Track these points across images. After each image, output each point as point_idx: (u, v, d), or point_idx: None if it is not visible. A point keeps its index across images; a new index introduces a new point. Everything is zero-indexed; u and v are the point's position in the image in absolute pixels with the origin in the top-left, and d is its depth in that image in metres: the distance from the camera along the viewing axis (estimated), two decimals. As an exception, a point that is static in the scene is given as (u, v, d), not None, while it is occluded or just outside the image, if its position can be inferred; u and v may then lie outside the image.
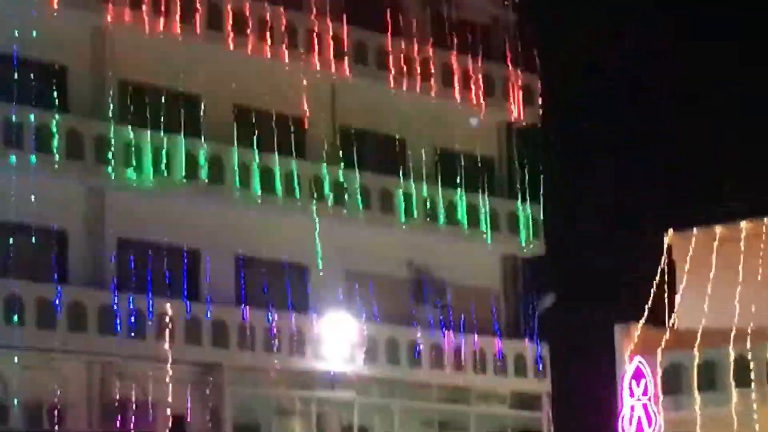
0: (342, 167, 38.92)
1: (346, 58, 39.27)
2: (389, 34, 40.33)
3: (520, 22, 43.25)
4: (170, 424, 34.98)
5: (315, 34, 38.79)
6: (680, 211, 35.70)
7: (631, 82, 56.89)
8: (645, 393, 33.02)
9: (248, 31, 37.53)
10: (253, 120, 38.07)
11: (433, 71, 40.75)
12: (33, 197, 33.68)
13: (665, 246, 34.46)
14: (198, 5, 36.79)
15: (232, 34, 37.30)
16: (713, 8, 58.86)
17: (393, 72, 40.00)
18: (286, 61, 38.16)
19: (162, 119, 36.19)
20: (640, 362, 33.12)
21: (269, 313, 36.59)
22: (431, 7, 41.86)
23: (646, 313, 33.56)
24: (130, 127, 35.56)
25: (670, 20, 58.18)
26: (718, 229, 34.32)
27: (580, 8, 52.67)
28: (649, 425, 32.82)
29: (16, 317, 32.82)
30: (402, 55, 40.28)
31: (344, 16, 39.68)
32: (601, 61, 55.31)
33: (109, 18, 35.56)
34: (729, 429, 32.22)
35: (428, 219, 40.00)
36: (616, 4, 57.49)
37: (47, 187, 34.04)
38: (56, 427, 33.29)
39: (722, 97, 56.41)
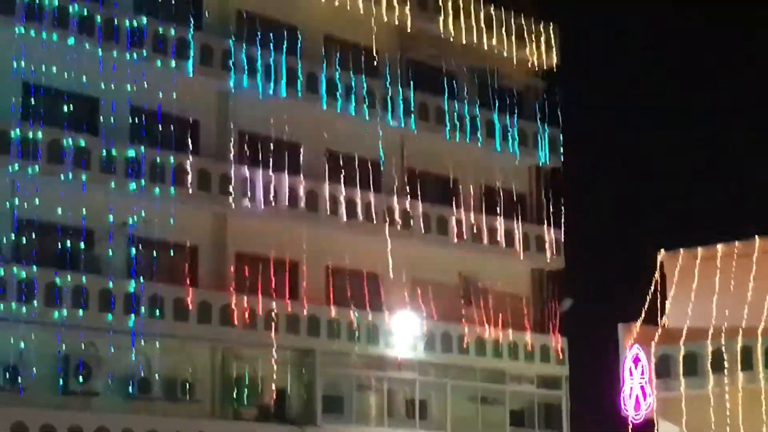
0: (408, 199, 38.97)
1: (412, 115, 39.27)
2: (445, 96, 40.37)
3: (546, 88, 43.10)
4: (274, 396, 35.08)
5: (389, 97, 38.87)
6: (670, 236, 35.60)
7: (630, 136, 56.82)
8: (642, 375, 32.96)
9: (337, 93, 37.61)
10: (341, 162, 38.16)
11: (479, 126, 40.74)
12: (171, 220, 33.97)
13: (658, 262, 34.40)
14: (300, 74, 36.93)
15: (325, 96, 37.44)
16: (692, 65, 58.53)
17: (448, 126, 40.01)
18: (367, 117, 38.19)
19: (270, 161, 36.28)
20: (638, 351, 33.05)
21: (351, 311, 36.69)
22: (478, 76, 41.75)
23: (643, 315, 33.49)
24: (246, 167, 35.70)
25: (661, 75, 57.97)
26: (699, 250, 34.27)
27: (594, 80, 52.69)
28: (645, 400, 32.78)
29: (158, 312, 33.08)
30: (455, 113, 40.27)
31: (411, 83, 39.79)
32: (606, 119, 55.35)
33: (231, 83, 35.84)
34: (706, 406, 32.10)
35: (474, 239, 39.87)
36: (609, 76, 57.41)
37: (183, 213, 34.28)
38: (187, 397, 33.46)
39: (698, 148, 56.19)
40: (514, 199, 41.77)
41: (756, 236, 33.21)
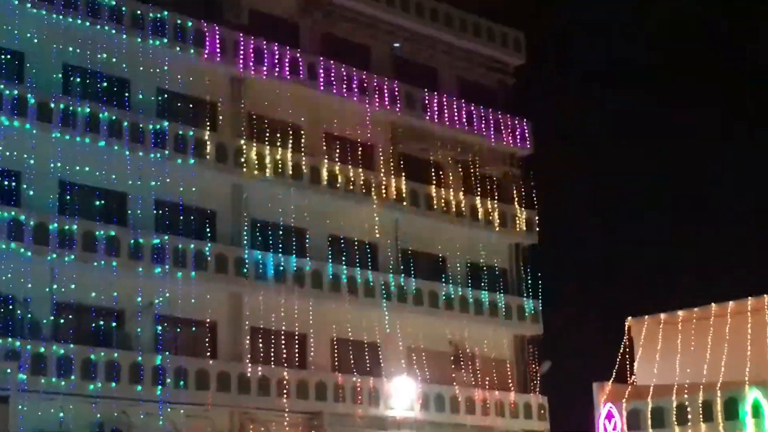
0: (402, 276, 39.14)
1: (404, 202, 39.55)
2: (433, 184, 40.66)
3: (522, 174, 43.35)
4: (287, 455, 35.15)
5: (383, 186, 39.13)
6: (636, 305, 35.75)
7: (599, 214, 57.07)
8: (615, 429, 32.93)
9: (337, 185, 37.89)
10: (342, 244, 38.33)
11: (463, 210, 40.97)
12: (193, 300, 34.12)
13: (626, 328, 34.52)
14: (303, 167, 37.24)
15: (327, 187, 37.71)
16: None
17: (436, 211, 40.24)
18: (364, 205, 38.46)
19: (280, 245, 36.48)
20: (610, 407, 33.07)
21: (354, 377, 36.74)
22: (461, 166, 42.00)
23: (614, 374, 33.52)
24: (258, 251, 35.91)
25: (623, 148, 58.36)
26: (662, 316, 34.44)
27: (564, 166, 53.02)
28: (618, 452, 32.75)
29: (182, 382, 33.11)
30: (442, 199, 40.53)
31: (402, 173, 40.06)
32: (578, 203, 55.57)
33: (243, 177, 36.15)
34: (673, 454, 32.13)
35: (462, 310, 39.93)
36: (578, 161, 57.80)
37: (203, 293, 34.41)
38: (209, 458, 33.47)
39: (658, 224, 56.43)
40: (497, 273, 41.95)
41: (712, 303, 33.43)
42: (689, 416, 31.81)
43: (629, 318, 34.59)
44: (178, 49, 35.23)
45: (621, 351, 33.64)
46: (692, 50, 55.30)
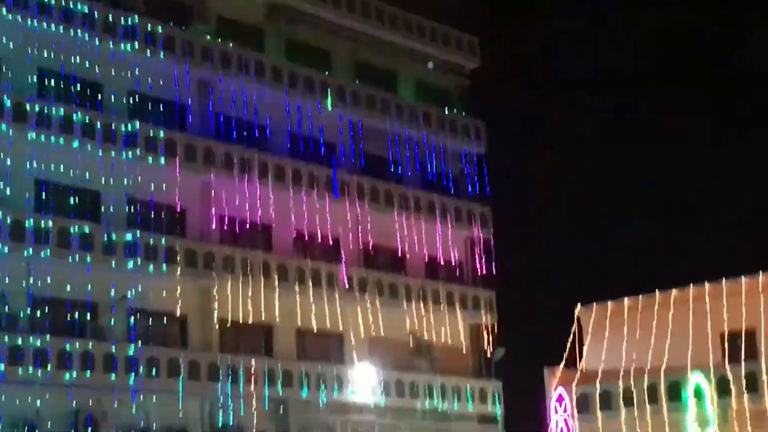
0: (364, 269, 39.03)
1: (365, 199, 39.38)
2: (393, 182, 40.65)
3: (477, 173, 43.39)
4: (255, 440, 34.97)
5: (345, 182, 39.00)
6: (585, 294, 35.88)
7: (549, 209, 57.18)
8: (565, 411, 33.08)
9: (301, 182, 37.69)
10: (306, 239, 38.06)
11: (422, 206, 40.89)
12: (164, 293, 33.95)
13: (576, 316, 34.67)
14: (268, 166, 37.02)
15: (292, 184, 37.52)
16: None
17: (396, 207, 40.17)
18: (327, 202, 38.32)
19: (247, 240, 36.27)
20: (561, 391, 33.22)
21: (318, 365, 36.63)
22: (419, 165, 41.87)
23: (564, 360, 33.66)
24: (226, 247, 35.66)
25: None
26: (609, 304, 34.61)
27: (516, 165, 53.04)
28: (568, 433, 32.91)
29: (154, 371, 32.88)
30: (401, 196, 40.47)
31: (364, 172, 39.96)
32: (529, 196, 55.61)
33: (212, 176, 35.91)
34: (620, 435, 32.30)
35: (422, 302, 39.92)
36: (529, 161, 57.83)
37: (173, 286, 34.21)
38: (180, 443, 33.26)
39: (603, 216, 56.61)
40: (453, 266, 41.95)
41: (656, 290, 33.63)
42: (635, 399, 32.05)
43: (578, 306, 34.77)
44: (148, 53, 34.97)
45: (570, 338, 33.81)
46: (680, 57, 55.19)
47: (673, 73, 55.25)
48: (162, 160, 34.65)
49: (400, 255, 40.59)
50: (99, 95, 34.44)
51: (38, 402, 30.59)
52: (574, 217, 57.25)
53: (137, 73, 34.97)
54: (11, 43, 32.68)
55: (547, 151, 58.89)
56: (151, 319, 34.00)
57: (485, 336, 41.98)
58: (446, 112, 42.56)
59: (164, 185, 34.67)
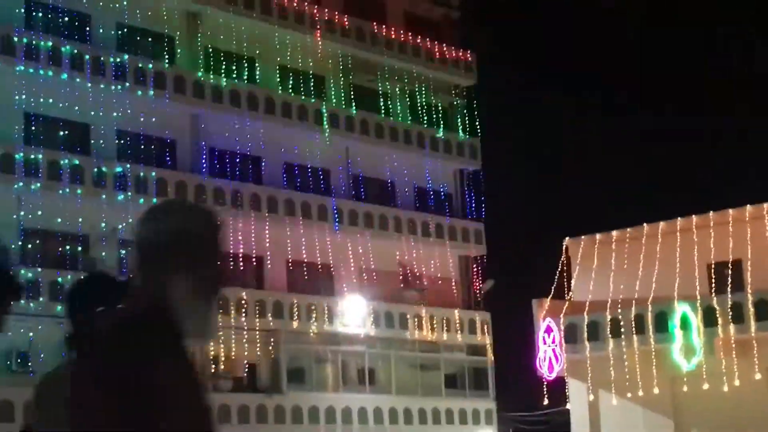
0: (354, 200, 39.12)
1: (355, 131, 39.43)
2: (382, 114, 40.55)
3: (466, 104, 43.23)
4: (246, 370, 35.20)
5: (334, 114, 38.92)
6: (573, 226, 36.07)
7: (538, 142, 57.25)
8: (553, 342, 33.37)
9: (291, 114, 37.60)
10: (296, 171, 38.08)
11: (411, 138, 40.87)
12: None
13: (564, 247, 34.85)
14: (257, 97, 36.92)
15: (281, 116, 37.38)
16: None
17: (385, 139, 40.15)
18: (317, 133, 38.25)
19: (237, 173, 36.25)
20: (549, 322, 33.50)
21: (309, 296, 36.81)
22: (409, 96, 41.79)
23: (552, 291, 33.90)
24: (216, 178, 35.77)
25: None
26: (597, 236, 34.78)
27: (506, 96, 52.88)
28: (557, 362, 33.24)
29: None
30: (391, 128, 40.43)
31: (353, 104, 39.77)
32: (518, 128, 55.62)
33: (201, 108, 35.82)
34: (607, 365, 32.62)
35: (410, 233, 40.06)
36: (520, 92, 57.77)
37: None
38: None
39: (592, 147, 56.73)
40: (443, 197, 42.04)
41: (644, 223, 33.79)
42: (622, 329, 32.33)
43: (567, 238, 34.92)
44: (136, -16, 34.79)
45: (559, 269, 34.02)
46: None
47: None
48: (151, 92, 34.52)
49: (389, 186, 40.69)
50: (87, 27, 34.22)
51: (30, 334, 30.77)
52: (564, 150, 57.38)
53: (125, 4, 34.72)
54: (-3, -25, 32.43)
55: (540, 86, 58.83)
56: (142, 251, 34.01)
57: (474, 268, 42.16)
58: (436, 45, 42.37)
59: (154, 117, 34.58)
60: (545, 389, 33.46)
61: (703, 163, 53.68)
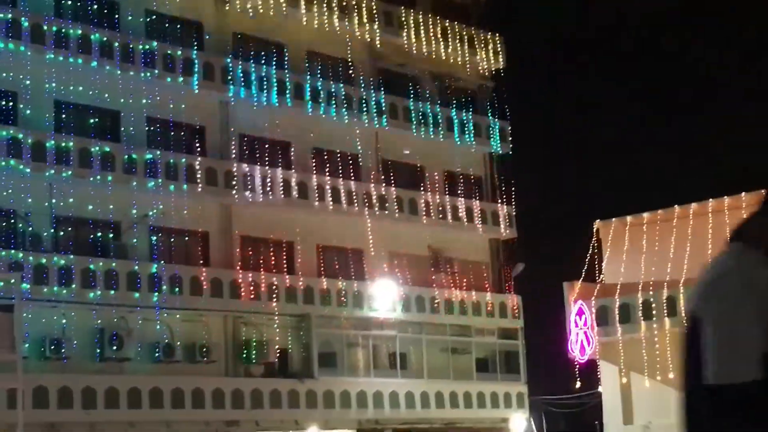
0: (383, 185, 39.11)
1: (383, 115, 39.31)
2: (411, 98, 40.44)
3: (495, 87, 43.10)
4: (278, 355, 35.26)
5: (363, 100, 38.86)
6: (604, 208, 35.85)
7: (568, 124, 56.94)
8: (585, 324, 33.22)
9: (320, 99, 37.60)
10: (325, 156, 38.03)
11: (440, 122, 40.82)
12: (185, 211, 34.10)
13: (595, 230, 34.65)
14: (288, 84, 36.91)
15: (310, 102, 37.46)
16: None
17: (414, 123, 40.00)
18: (345, 118, 38.17)
19: (266, 158, 36.32)
20: (581, 304, 33.34)
21: (339, 281, 36.84)
22: (437, 80, 41.71)
23: (583, 274, 33.72)
24: (246, 164, 35.72)
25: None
26: (628, 218, 34.57)
27: (535, 79, 52.58)
28: (588, 345, 33.09)
29: (177, 289, 33.19)
30: (420, 112, 40.28)
31: (381, 88, 39.74)
32: (548, 111, 55.33)
33: (230, 94, 35.78)
34: (639, 347, 32.46)
35: (440, 217, 40.01)
36: (549, 74, 57.42)
37: (194, 204, 34.34)
38: (204, 359, 33.52)
39: (622, 132, 56.34)
40: (472, 181, 41.96)
41: (675, 205, 33.55)
42: (654, 311, 32.16)
43: (597, 221, 34.74)
44: (164, -29, 34.84)
45: (590, 252, 33.84)
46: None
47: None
48: (180, 79, 34.55)
49: (419, 170, 40.64)
50: (116, 14, 34.29)
51: (63, 320, 30.97)
52: (594, 132, 57.04)
53: (154, -9, 34.85)
54: (27, -37, 32.52)
55: (570, 68, 58.50)
56: (172, 237, 34.24)
57: (505, 251, 42.08)
58: (464, 28, 42.21)
59: (183, 104, 34.64)
60: (577, 372, 33.35)
61: (735, 143, 53.29)
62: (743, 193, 32.74)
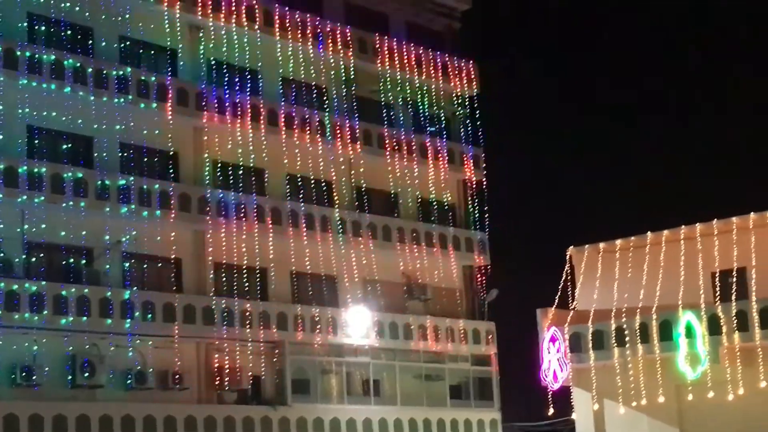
0: (357, 212, 39.06)
1: (358, 141, 39.34)
2: (385, 124, 40.54)
3: (469, 114, 43.19)
4: (251, 382, 35.02)
5: (337, 126, 38.85)
6: (577, 235, 35.97)
7: (542, 151, 57.16)
8: (558, 351, 33.25)
9: (294, 126, 37.58)
10: (299, 183, 37.90)
11: (414, 148, 40.86)
12: (158, 237, 33.94)
13: (568, 257, 34.75)
14: (261, 109, 36.84)
15: (284, 128, 37.30)
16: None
17: (388, 150, 40.05)
18: (320, 144, 38.22)
19: (240, 185, 36.24)
20: (554, 331, 33.37)
21: (313, 308, 36.72)
22: (411, 106, 41.73)
23: (556, 301, 33.78)
24: (219, 190, 35.63)
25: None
26: (601, 245, 34.68)
27: (509, 106, 52.84)
28: (561, 372, 33.11)
29: (150, 315, 32.97)
30: (394, 138, 40.36)
31: (356, 115, 39.78)
32: (522, 139, 55.50)
33: (204, 120, 35.71)
34: (613, 374, 32.51)
35: (414, 243, 39.98)
36: (523, 101, 57.73)
37: (167, 231, 34.17)
38: (177, 386, 33.25)
39: (594, 160, 56.64)
40: (446, 208, 41.98)
41: (648, 232, 33.68)
42: (627, 338, 32.22)
43: (570, 247, 34.83)
44: (138, -3, 34.81)
45: (563, 279, 33.90)
46: None
47: None
48: (154, 105, 34.45)
49: (393, 197, 40.63)
50: (90, 40, 34.18)
51: (35, 347, 30.69)
52: (567, 159, 57.28)
53: (127, 17, 34.73)
54: (0, -11, 32.43)
55: (541, 93, 58.78)
56: (145, 263, 34.05)
57: (478, 278, 42.12)
58: (438, 55, 42.34)
59: (156, 130, 34.56)
60: (550, 399, 33.33)
61: (706, 170, 53.61)
62: (714, 221, 32.92)
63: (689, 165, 53.50)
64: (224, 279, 35.36)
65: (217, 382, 34.22)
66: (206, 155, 35.86)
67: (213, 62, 36.80)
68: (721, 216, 32.61)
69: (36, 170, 31.71)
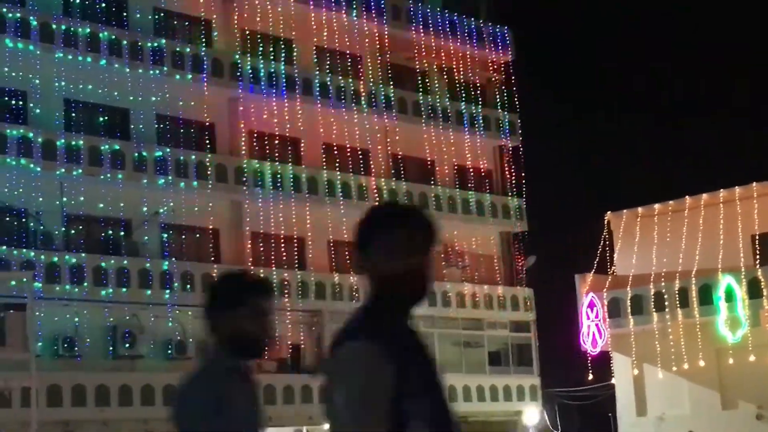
0: (393, 180, 39.02)
1: (393, 109, 39.18)
2: (420, 92, 40.38)
3: (504, 80, 43.00)
4: (290, 351, 35.25)
5: (372, 94, 38.80)
6: (615, 200, 35.81)
7: (578, 116, 56.85)
8: (597, 317, 33.23)
9: (329, 94, 37.58)
10: (335, 151, 37.97)
11: (449, 116, 40.66)
12: (196, 208, 34.10)
13: (606, 222, 34.64)
14: (297, 79, 36.87)
15: (319, 97, 37.38)
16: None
17: (424, 117, 39.93)
18: (355, 113, 38.21)
19: (277, 155, 36.29)
20: (593, 296, 33.35)
21: (351, 276, 36.71)
22: (446, 73, 41.53)
23: (595, 266, 33.72)
24: (256, 160, 35.75)
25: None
26: (639, 210, 34.54)
27: (544, 71, 52.48)
28: (600, 337, 33.09)
29: (188, 286, 33.16)
30: (429, 106, 40.11)
31: (391, 82, 39.68)
32: (557, 103, 55.19)
33: (239, 90, 35.76)
34: (651, 338, 32.44)
35: (451, 210, 39.87)
36: (558, 66, 57.37)
37: (204, 201, 34.31)
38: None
39: (633, 123, 56.26)
40: (483, 175, 41.85)
41: (686, 195, 33.49)
42: (666, 303, 32.12)
43: (608, 212, 34.70)
44: (172, -32, 34.83)
45: (601, 244, 33.82)
46: None
47: None
48: (189, 76, 34.53)
49: (429, 164, 40.52)
50: (124, 12, 34.30)
51: (76, 318, 31.02)
52: (604, 123, 56.95)
53: (161, -12, 34.86)
54: (35, -38, 32.54)
55: (577, 61, 58.40)
56: (183, 234, 34.25)
57: (516, 244, 42.02)
58: (472, 21, 42.12)
59: (192, 101, 34.65)
60: (590, 364, 33.33)
61: (744, 134, 53.14)
62: (754, 183, 32.67)
63: (729, 127, 53.06)
64: (262, 249, 35.48)
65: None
66: (242, 125, 35.92)
67: (247, 32, 36.80)
68: (761, 179, 32.35)
69: (74, 143, 31.92)
